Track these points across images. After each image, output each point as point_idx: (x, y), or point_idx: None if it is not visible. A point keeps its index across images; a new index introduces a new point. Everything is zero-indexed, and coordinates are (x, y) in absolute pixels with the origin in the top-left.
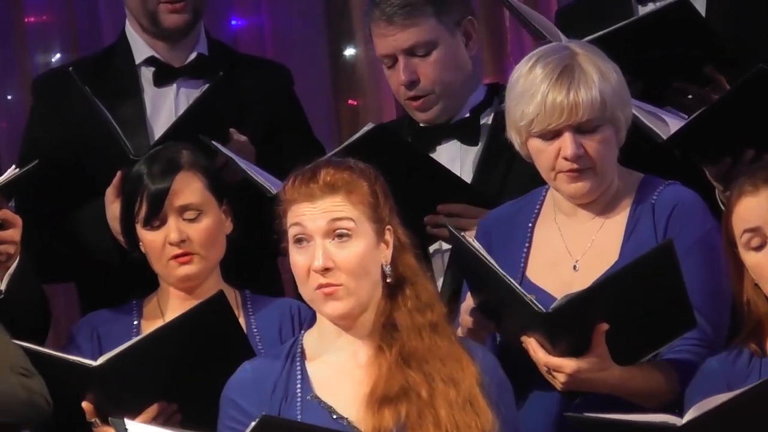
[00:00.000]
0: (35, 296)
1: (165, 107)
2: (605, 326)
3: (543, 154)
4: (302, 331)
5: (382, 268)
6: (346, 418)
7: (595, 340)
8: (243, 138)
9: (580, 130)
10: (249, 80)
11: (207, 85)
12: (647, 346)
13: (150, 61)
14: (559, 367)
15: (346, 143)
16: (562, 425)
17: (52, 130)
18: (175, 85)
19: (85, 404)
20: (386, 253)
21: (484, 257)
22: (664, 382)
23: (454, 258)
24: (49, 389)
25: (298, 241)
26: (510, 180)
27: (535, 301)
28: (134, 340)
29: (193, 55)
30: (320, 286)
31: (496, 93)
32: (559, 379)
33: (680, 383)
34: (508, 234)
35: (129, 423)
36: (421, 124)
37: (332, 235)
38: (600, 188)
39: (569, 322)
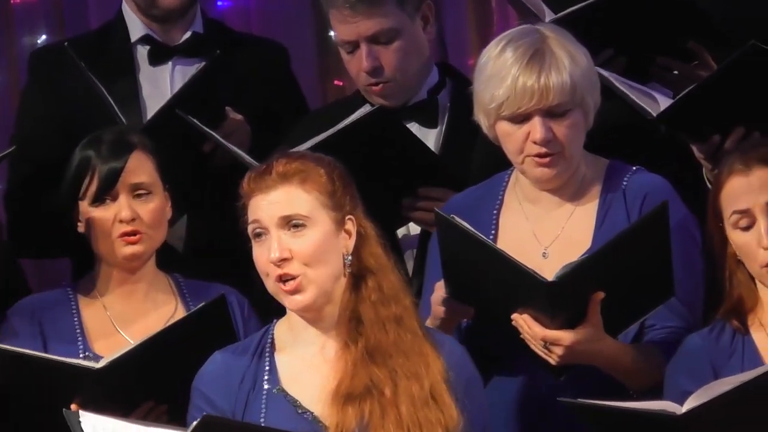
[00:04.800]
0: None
1: (160, 86)
2: (601, 295)
3: (511, 138)
4: (274, 321)
5: (343, 258)
6: (312, 413)
7: (591, 310)
8: (239, 117)
9: (550, 114)
10: (245, 59)
11: (203, 63)
12: (629, 317)
13: (145, 40)
14: (558, 339)
15: (344, 124)
16: (530, 407)
17: (46, 103)
18: (170, 63)
19: (75, 406)
20: (347, 243)
21: (477, 235)
22: (654, 361)
23: (440, 244)
24: (37, 392)
25: (257, 235)
26: (474, 163)
27: (537, 272)
28: (137, 342)
29: (188, 34)
30: (280, 279)
31: (447, 73)
32: (556, 353)
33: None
34: (472, 221)
35: (83, 415)
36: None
37: (287, 225)
38: (567, 173)
39: (571, 291)
